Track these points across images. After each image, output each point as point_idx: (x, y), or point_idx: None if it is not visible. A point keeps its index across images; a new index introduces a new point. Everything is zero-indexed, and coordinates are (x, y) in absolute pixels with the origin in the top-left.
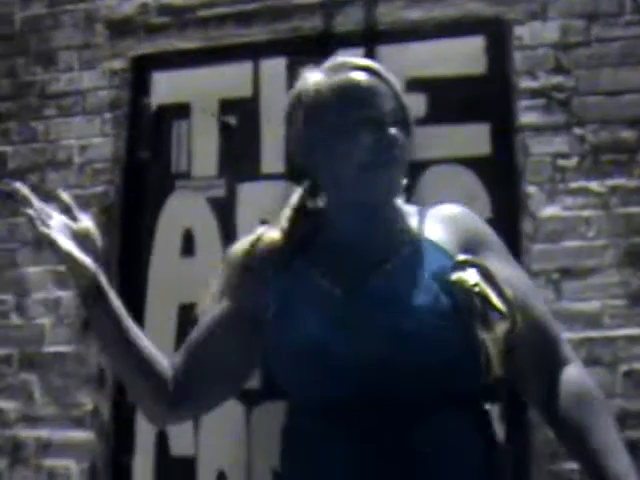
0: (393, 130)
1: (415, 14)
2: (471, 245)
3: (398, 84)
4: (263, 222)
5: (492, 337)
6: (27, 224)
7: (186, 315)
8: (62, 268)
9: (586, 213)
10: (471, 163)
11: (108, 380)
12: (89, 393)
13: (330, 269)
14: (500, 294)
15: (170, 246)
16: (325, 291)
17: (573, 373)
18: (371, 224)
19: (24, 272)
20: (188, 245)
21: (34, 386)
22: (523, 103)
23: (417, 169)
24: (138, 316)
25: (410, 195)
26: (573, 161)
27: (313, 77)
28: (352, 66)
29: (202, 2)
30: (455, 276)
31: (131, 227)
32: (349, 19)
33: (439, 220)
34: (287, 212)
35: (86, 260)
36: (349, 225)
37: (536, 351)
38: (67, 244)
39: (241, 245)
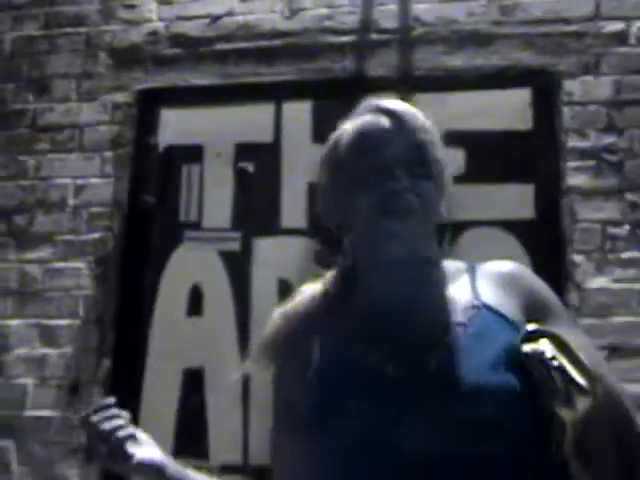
0: (406, 178)
1: (456, 61)
2: (535, 309)
3: (431, 130)
4: (281, 282)
5: (573, 415)
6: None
7: (191, 382)
8: (49, 322)
9: (638, 286)
10: (513, 227)
11: None
12: (76, 465)
13: (377, 343)
14: (579, 366)
15: (175, 304)
16: (375, 371)
17: None
18: (414, 288)
19: (5, 325)
20: (196, 303)
21: (11, 455)
22: (571, 164)
23: (453, 231)
24: (136, 383)
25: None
26: (625, 229)
27: (344, 123)
28: (374, 109)
29: (220, 35)
30: (528, 349)
31: (131, 281)
32: (383, 62)
33: (495, 280)
34: (330, 273)
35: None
36: (387, 289)
37: (613, 425)
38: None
39: (281, 322)
